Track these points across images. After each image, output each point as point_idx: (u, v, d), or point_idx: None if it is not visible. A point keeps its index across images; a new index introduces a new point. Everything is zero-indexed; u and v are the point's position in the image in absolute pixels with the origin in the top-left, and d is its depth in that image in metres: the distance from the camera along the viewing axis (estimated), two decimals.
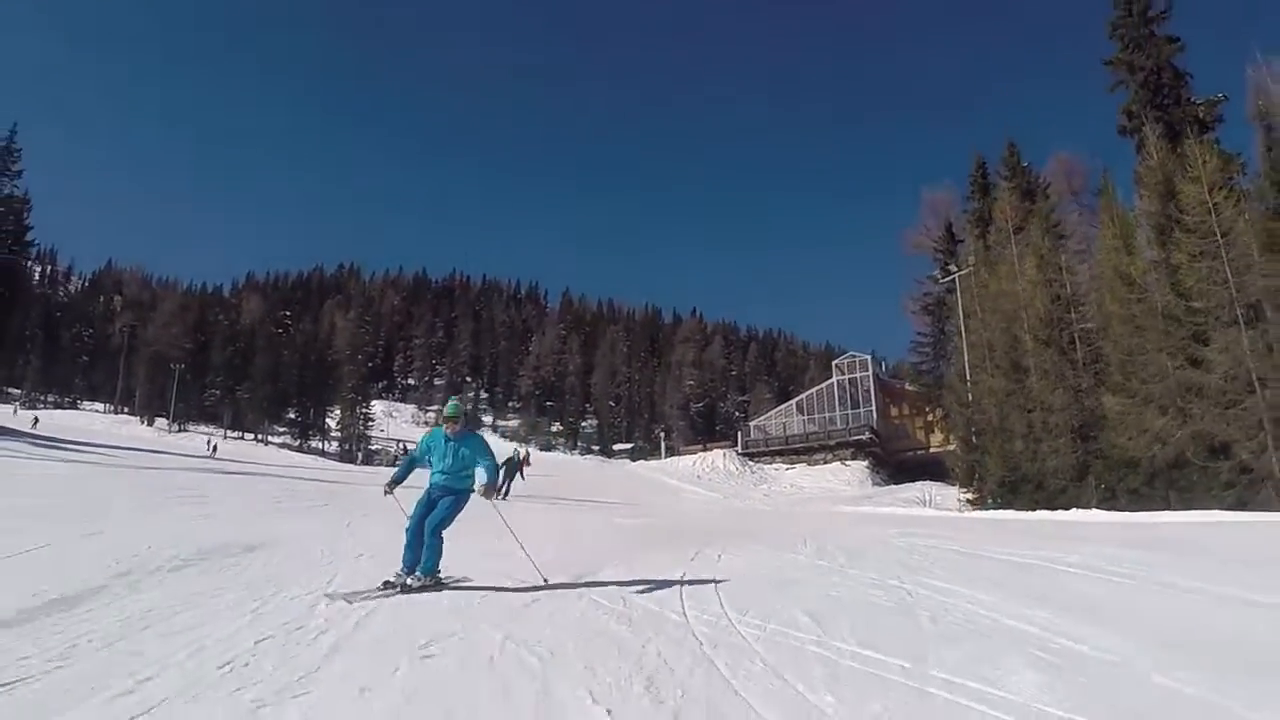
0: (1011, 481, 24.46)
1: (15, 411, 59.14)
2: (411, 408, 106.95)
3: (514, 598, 6.15)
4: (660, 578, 7.04)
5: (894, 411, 48.23)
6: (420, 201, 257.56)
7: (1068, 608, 5.68)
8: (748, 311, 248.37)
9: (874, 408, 47.90)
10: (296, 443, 70.00)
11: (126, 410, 75.37)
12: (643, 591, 6.41)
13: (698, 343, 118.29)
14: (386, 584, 6.22)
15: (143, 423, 67.68)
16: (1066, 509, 20.47)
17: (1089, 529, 14.36)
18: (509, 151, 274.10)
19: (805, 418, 50.30)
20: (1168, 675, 3.95)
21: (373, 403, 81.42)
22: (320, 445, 71.99)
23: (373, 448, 70.78)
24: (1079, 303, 24.03)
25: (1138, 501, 20.22)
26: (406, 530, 6.50)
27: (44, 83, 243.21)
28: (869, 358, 51.64)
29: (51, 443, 29.94)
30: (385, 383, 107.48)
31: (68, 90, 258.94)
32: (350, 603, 5.57)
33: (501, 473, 19.72)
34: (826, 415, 49.29)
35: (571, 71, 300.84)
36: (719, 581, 6.85)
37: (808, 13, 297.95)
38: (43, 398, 77.44)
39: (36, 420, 50.31)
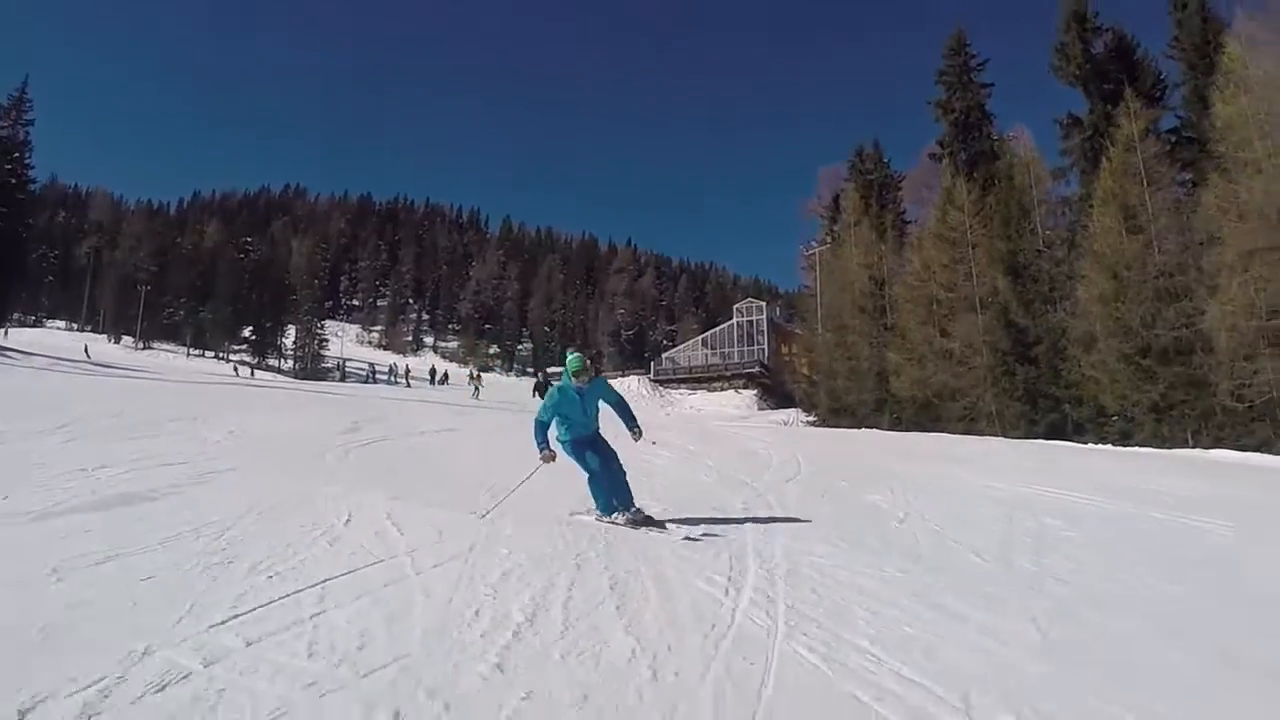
0: (835, 409, 33.99)
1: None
2: (356, 328, 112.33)
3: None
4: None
5: (784, 349, 57.27)
6: (365, 124, 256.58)
7: (812, 453, 14.22)
8: (682, 243, 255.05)
9: (766, 346, 57.09)
10: (254, 359, 76.08)
11: (90, 329, 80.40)
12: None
13: (631, 273, 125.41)
14: (633, 521, 6.41)
15: (110, 340, 73.19)
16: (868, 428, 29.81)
17: (869, 436, 23.01)
18: (453, 76, 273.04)
19: (709, 351, 59.62)
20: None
21: (325, 323, 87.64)
22: (276, 362, 78.59)
23: (325, 365, 77.58)
24: (890, 283, 33.19)
25: (912, 427, 29.60)
26: (593, 478, 6.68)
27: None
28: (764, 304, 61.09)
29: (57, 360, 34.71)
30: (331, 303, 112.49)
31: None
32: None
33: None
34: (727, 350, 58.54)
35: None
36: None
37: None
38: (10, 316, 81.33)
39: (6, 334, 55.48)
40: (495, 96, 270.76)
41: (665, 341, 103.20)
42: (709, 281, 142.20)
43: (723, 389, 54.94)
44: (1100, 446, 21.54)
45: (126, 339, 73.58)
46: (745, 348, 58.06)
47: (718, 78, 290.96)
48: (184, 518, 5.49)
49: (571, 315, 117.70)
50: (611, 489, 6.59)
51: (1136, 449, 21.06)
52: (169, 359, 63.72)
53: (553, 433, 6.75)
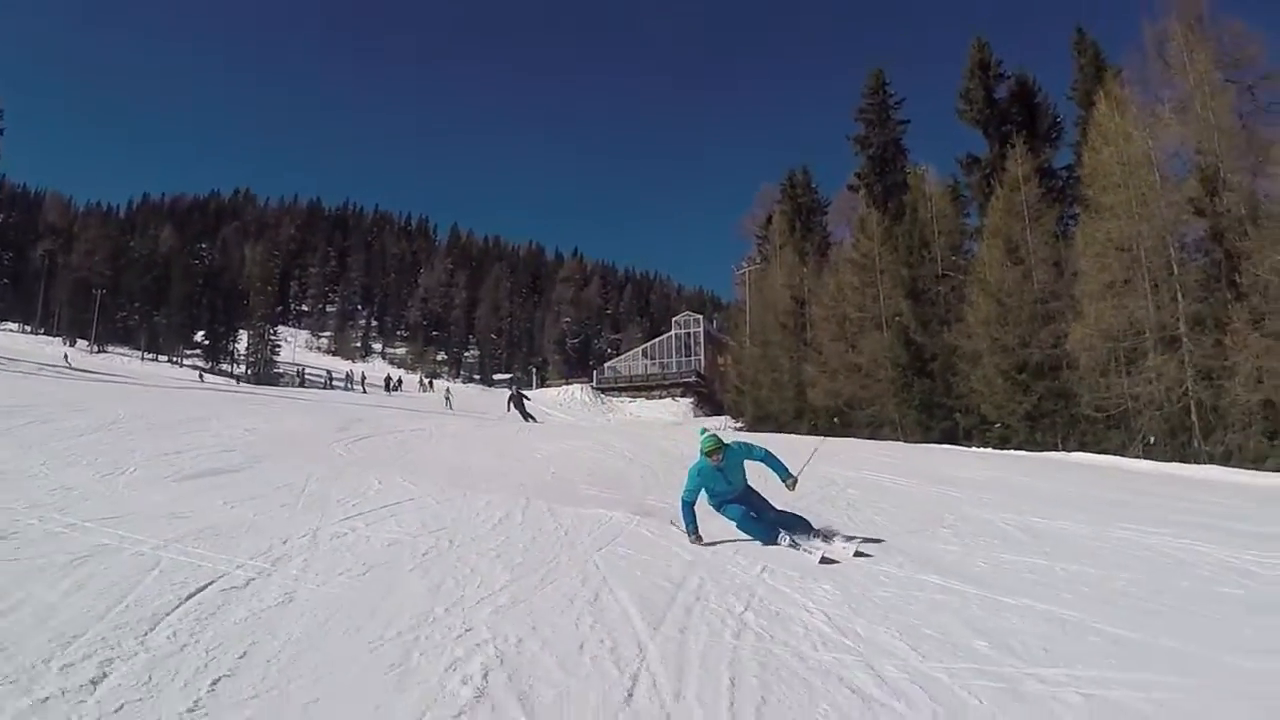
0: (759, 416, 37.00)
1: None
2: (305, 333, 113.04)
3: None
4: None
5: (719, 360, 60.39)
6: (312, 128, 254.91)
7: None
8: (628, 252, 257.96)
9: (703, 357, 60.32)
10: (207, 364, 77.05)
11: (43, 331, 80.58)
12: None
13: (577, 282, 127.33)
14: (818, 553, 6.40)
15: (65, 343, 73.42)
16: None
17: (796, 440, 25.92)
18: (400, 83, 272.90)
19: (649, 361, 62.79)
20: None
21: (279, 329, 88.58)
22: (228, 368, 79.56)
23: (277, 371, 78.54)
24: (810, 302, 36.32)
25: (826, 433, 32.48)
26: (741, 527, 6.93)
27: None
28: (701, 317, 64.66)
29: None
30: (281, 308, 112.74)
31: None
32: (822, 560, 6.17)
33: (511, 404, 28.06)
34: (666, 360, 61.69)
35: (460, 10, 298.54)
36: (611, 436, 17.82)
37: None
38: None
39: None
40: (442, 104, 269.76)
41: (610, 350, 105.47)
42: (653, 291, 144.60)
43: (661, 397, 57.92)
44: (980, 449, 24.70)
45: (81, 342, 73.97)
46: (683, 358, 61.14)
47: (668, 89, 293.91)
48: (267, 481, 8.39)
49: (518, 323, 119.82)
50: (771, 529, 6.82)
51: (1008, 452, 24.24)
52: (124, 363, 64.56)
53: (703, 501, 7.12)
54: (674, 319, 66.09)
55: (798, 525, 6.85)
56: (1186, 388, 22.97)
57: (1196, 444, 22.84)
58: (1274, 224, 21.84)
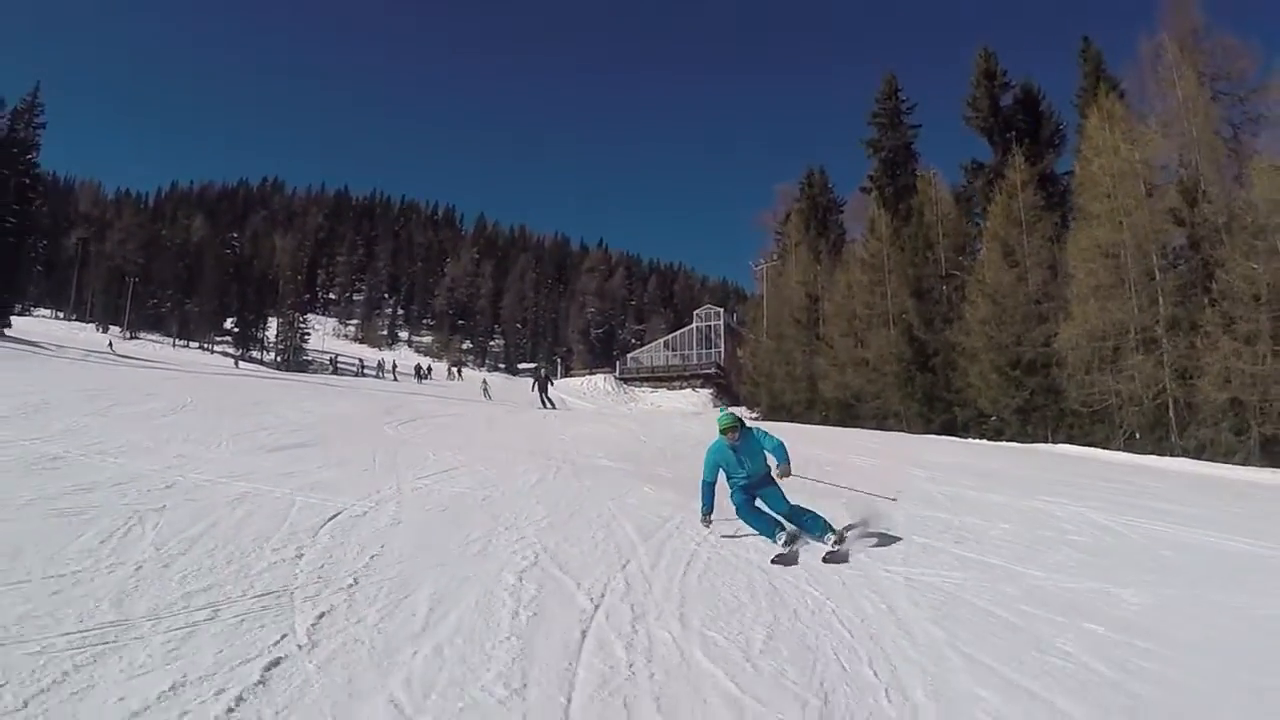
0: (774, 407, 39.09)
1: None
2: (333, 321, 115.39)
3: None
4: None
5: (739, 353, 62.47)
6: (341, 118, 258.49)
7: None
8: (653, 244, 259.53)
9: (722, 349, 62.39)
10: (238, 351, 79.78)
11: (76, 317, 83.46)
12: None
13: (602, 273, 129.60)
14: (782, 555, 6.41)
15: (98, 330, 76.02)
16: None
17: (808, 430, 28.05)
18: (429, 73, 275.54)
19: (670, 352, 65.07)
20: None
21: (308, 318, 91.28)
22: (258, 355, 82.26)
23: (306, 358, 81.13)
24: (823, 299, 38.33)
25: (836, 424, 34.64)
26: (761, 524, 6.91)
27: None
28: (721, 310, 66.69)
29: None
30: (308, 296, 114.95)
31: None
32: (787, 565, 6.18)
33: (535, 387, 28.62)
34: (687, 352, 63.90)
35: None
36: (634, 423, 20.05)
37: None
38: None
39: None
40: (470, 95, 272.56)
41: (633, 340, 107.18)
42: (677, 282, 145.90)
43: (681, 388, 60.13)
44: (974, 441, 26.66)
45: (114, 329, 76.64)
46: (703, 350, 63.26)
47: (697, 82, 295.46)
48: (340, 454, 10.24)
49: (543, 313, 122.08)
50: (770, 523, 6.85)
51: (1000, 444, 26.20)
52: (156, 349, 67.32)
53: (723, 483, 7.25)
54: (695, 311, 68.27)
55: (812, 523, 6.71)
56: (1164, 385, 24.84)
57: (1173, 438, 24.73)
58: (1246, 235, 23.60)
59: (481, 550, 5.97)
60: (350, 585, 4.87)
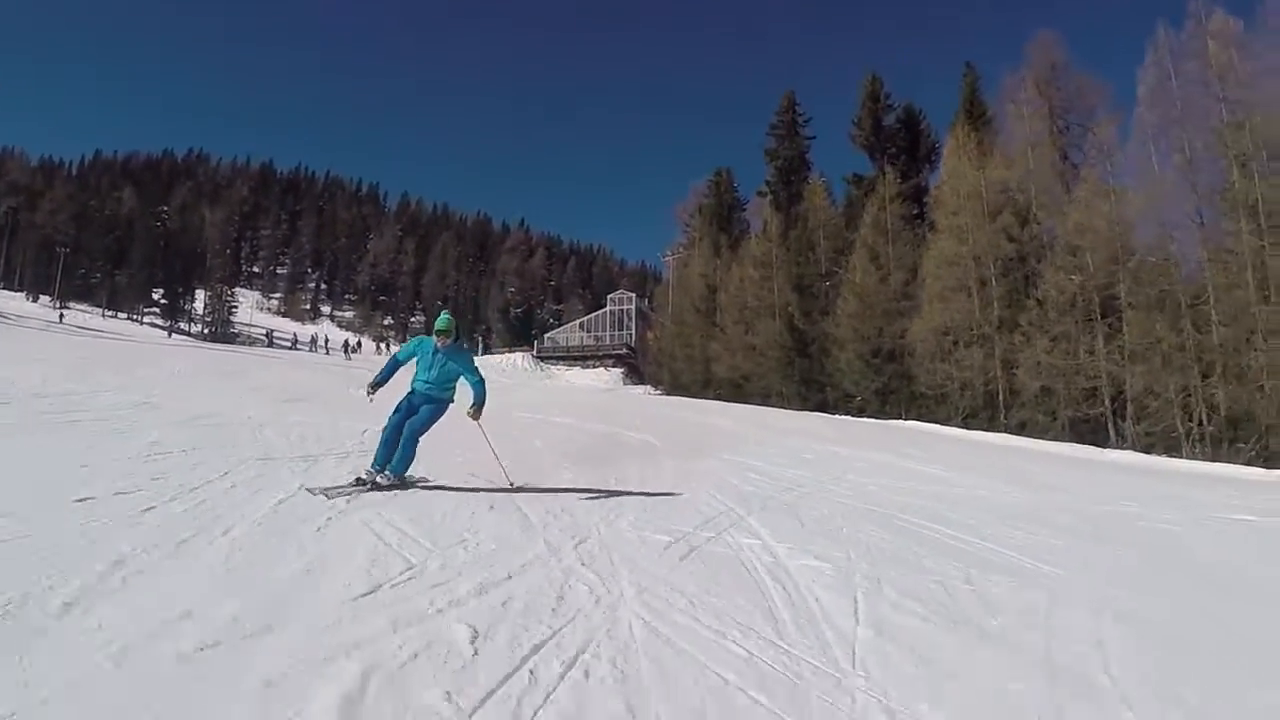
0: (675, 385, 43.36)
1: None
2: (256, 294, 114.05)
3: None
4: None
5: (650, 334, 66.69)
6: (266, 90, 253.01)
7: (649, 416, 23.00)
8: (573, 224, 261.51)
9: (633, 331, 66.55)
10: (166, 323, 79.88)
11: (4, 286, 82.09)
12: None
13: (522, 253, 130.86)
14: (359, 480, 6.48)
15: (29, 299, 75.23)
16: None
17: (699, 403, 32.10)
18: (355, 47, 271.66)
19: (585, 333, 69.07)
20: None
21: (238, 291, 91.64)
22: (185, 326, 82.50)
23: (233, 331, 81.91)
24: (721, 290, 42.64)
25: (727, 400, 38.94)
26: (384, 429, 6.90)
27: None
28: (634, 296, 70.81)
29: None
30: (232, 269, 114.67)
31: None
32: (329, 498, 5.84)
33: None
34: (600, 334, 67.95)
35: None
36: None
37: None
38: None
39: None
40: (395, 72, 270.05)
41: (551, 320, 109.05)
42: (596, 264, 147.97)
43: (595, 367, 63.99)
44: (838, 416, 31.20)
45: (44, 298, 76.58)
46: (616, 332, 67.32)
47: (624, 68, 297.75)
48: (335, 405, 13.72)
49: (464, 291, 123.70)
50: (387, 443, 6.82)
51: (861, 419, 30.83)
52: (86, 319, 68.01)
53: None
54: (610, 296, 72.28)
55: (398, 461, 6.75)
56: (994, 374, 29.77)
57: (1001, 418, 29.68)
58: (1058, 253, 28.58)
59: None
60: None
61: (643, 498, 7.32)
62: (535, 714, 2.70)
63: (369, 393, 7.28)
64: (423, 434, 6.90)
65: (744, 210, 50.41)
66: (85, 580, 3.46)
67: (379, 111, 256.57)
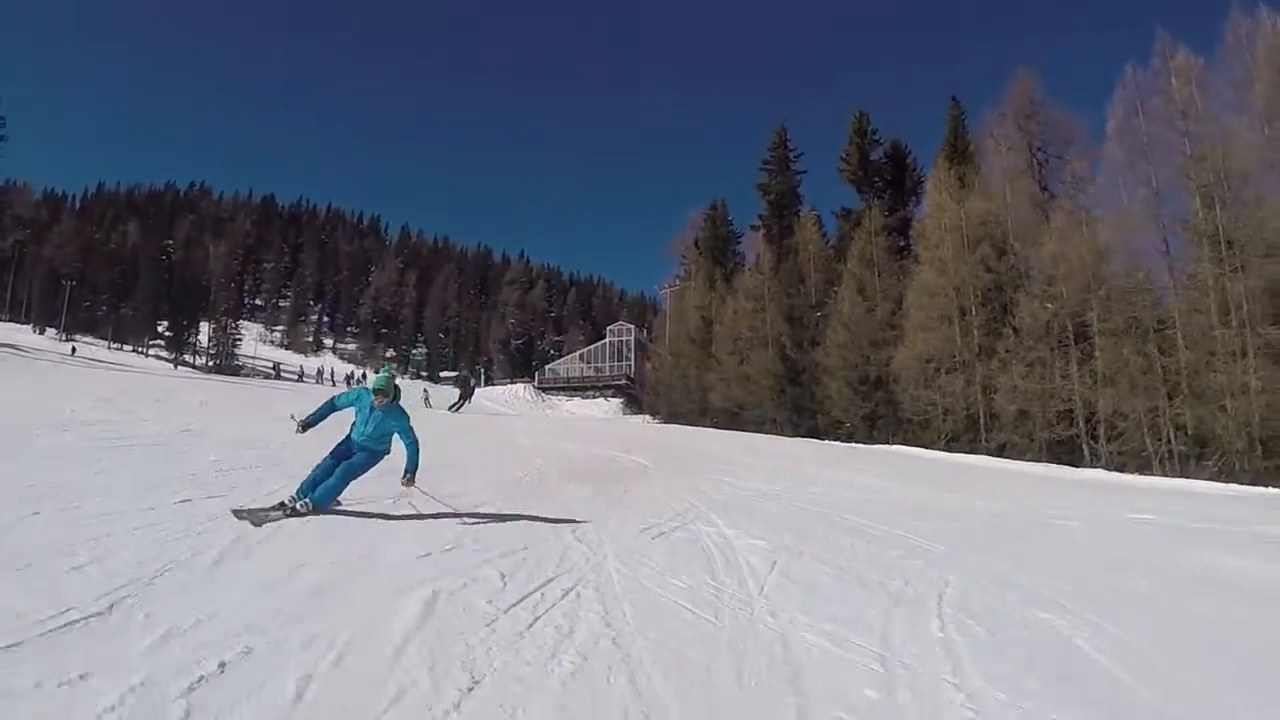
0: (671, 414, 44.80)
1: None
2: (259, 326, 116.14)
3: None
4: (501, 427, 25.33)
5: (649, 365, 68.28)
6: (267, 125, 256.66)
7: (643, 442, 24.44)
8: (573, 257, 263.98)
9: (633, 362, 68.21)
10: (171, 355, 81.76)
11: (10, 319, 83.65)
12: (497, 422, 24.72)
13: (523, 284, 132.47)
14: (281, 505, 6.46)
15: (35, 331, 77.28)
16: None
17: (694, 430, 33.53)
18: (354, 82, 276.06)
19: (585, 365, 70.82)
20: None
21: (241, 323, 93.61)
22: (190, 359, 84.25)
23: (237, 363, 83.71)
24: (716, 321, 44.20)
25: (723, 428, 40.33)
26: (319, 464, 6.95)
27: None
28: (634, 327, 72.72)
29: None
30: (235, 302, 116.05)
31: None
32: (256, 525, 5.81)
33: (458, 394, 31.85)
34: (600, 364, 69.67)
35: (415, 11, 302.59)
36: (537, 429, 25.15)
37: None
38: None
39: None
40: (396, 104, 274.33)
41: (552, 351, 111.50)
42: (596, 295, 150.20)
43: (594, 397, 65.62)
44: (827, 442, 32.55)
45: (50, 330, 78.23)
46: (615, 363, 68.99)
47: (619, 98, 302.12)
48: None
49: (465, 323, 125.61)
50: (316, 477, 6.83)
51: (850, 444, 32.18)
52: (94, 351, 69.57)
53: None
54: (609, 327, 74.17)
55: (323, 494, 6.77)
56: (974, 399, 31.19)
57: (982, 440, 31.05)
58: (1034, 282, 30.12)
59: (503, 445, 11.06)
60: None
61: (629, 502, 8.75)
62: (546, 613, 4.17)
63: (299, 429, 7.21)
64: (354, 477, 7.02)
65: (739, 242, 51.97)
66: (220, 550, 4.90)
67: (380, 144, 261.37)
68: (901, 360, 32.89)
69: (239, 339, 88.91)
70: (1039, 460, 27.90)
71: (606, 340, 71.32)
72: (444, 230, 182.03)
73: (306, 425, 7.16)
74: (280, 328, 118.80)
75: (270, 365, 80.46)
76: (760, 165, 47.20)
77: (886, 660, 3.96)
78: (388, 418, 7.09)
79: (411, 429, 7.16)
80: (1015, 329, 30.11)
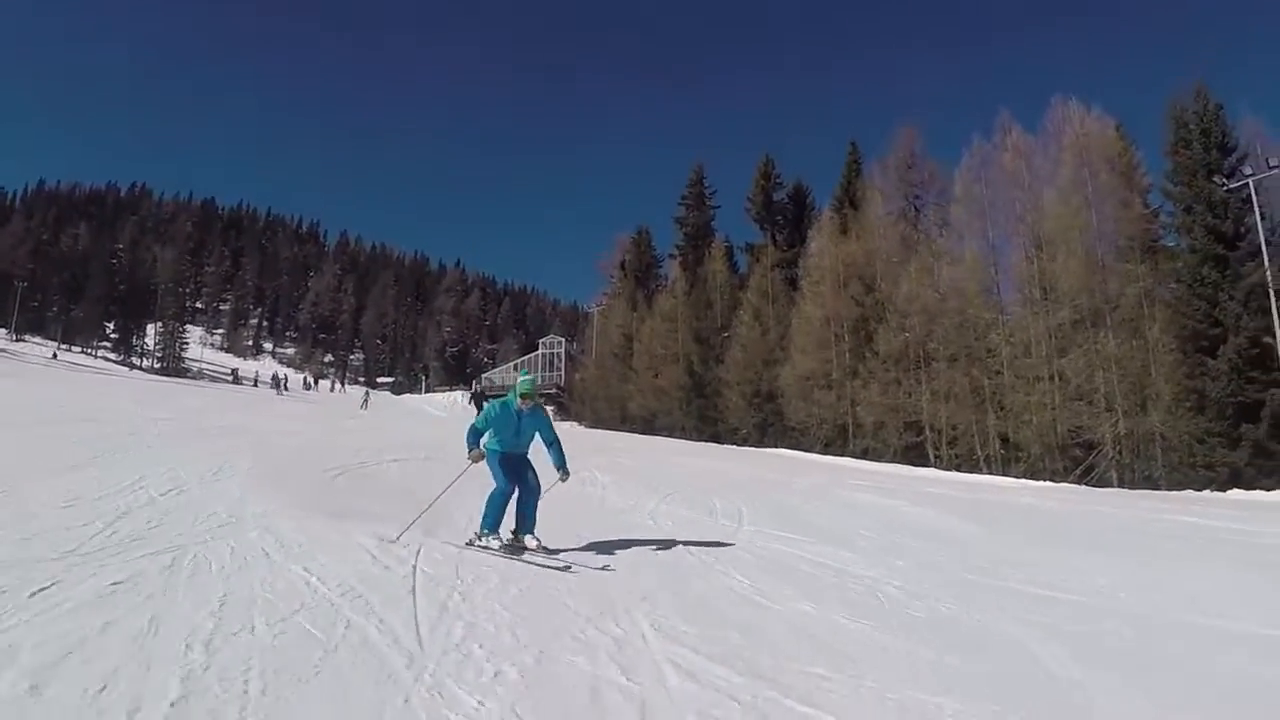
0: (596, 420, 50.52)
1: None
2: (200, 329, 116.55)
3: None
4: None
5: (577, 376, 73.73)
6: (206, 127, 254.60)
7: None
8: (507, 266, 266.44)
9: (563, 372, 73.60)
10: (119, 357, 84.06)
11: None
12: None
13: (459, 293, 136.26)
14: (507, 546, 6.81)
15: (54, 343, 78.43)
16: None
17: (615, 435, 39.13)
18: (295, 88, 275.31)
19: (518, 374, 76.04)
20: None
21: (188, 326, 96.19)
22: (137, 361, 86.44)
23: (183, 365, 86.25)
24: (636, 339, 50.02)
25: (640, 433, 46.05)
26: (498, 496, 7.02)
27: None
28: (564, 340, 78.12)
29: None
30: (182, 305, 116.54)
31: None
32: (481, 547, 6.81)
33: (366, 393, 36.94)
34: (533, 374, 74.91)
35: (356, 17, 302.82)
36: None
37: None
38: None
39: None
40: (336, 111, 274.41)
41: (487, 360, 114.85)
42: (530, 305, 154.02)
43: None
44: (724, 446, 38.49)
45: (0, 330, 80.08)
46: (548, 372, 74.14)
47: (556, 110, 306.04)
48: (338, 426, 20.55)
49: (402, 330, 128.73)
50: (513, 511, 7.04)
51: (742, 448, 38.18)
52: (43, 352, 72.04)
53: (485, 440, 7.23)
54: (541, 340, 79.54)
55: (522, 523, 7.07)
56: (844, 411, 37.49)
57: (849, 445, 37.35)
58: (892, 316, 36.54)
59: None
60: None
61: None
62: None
63: (474, 461, 7.39)
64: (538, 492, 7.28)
65: (660, 266, 57.70)
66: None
67: (318, 149, 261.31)
68: (787, 377, 39.07)
69: (186, 342, 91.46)
70: (894, 462, 34.13)
71: (539, 351, 76.61)
72: (382, 237, 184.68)
73: (473, 454, 7.36)
74: (220, 331, 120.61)
75: (228, 370, 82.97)
76: (679, 200, 53.25)
77: (647, 509, 9.63)
78: (534, 419, 7.33)
79: (554, 429, 7.62)
80: (876, 353, 36.40)
